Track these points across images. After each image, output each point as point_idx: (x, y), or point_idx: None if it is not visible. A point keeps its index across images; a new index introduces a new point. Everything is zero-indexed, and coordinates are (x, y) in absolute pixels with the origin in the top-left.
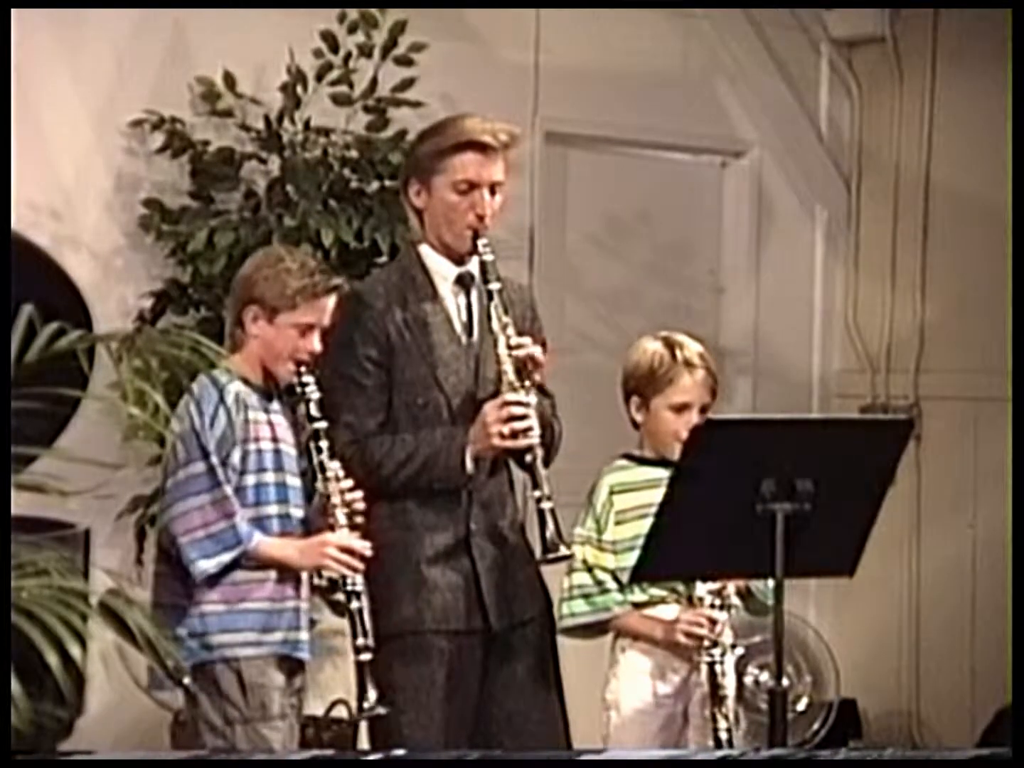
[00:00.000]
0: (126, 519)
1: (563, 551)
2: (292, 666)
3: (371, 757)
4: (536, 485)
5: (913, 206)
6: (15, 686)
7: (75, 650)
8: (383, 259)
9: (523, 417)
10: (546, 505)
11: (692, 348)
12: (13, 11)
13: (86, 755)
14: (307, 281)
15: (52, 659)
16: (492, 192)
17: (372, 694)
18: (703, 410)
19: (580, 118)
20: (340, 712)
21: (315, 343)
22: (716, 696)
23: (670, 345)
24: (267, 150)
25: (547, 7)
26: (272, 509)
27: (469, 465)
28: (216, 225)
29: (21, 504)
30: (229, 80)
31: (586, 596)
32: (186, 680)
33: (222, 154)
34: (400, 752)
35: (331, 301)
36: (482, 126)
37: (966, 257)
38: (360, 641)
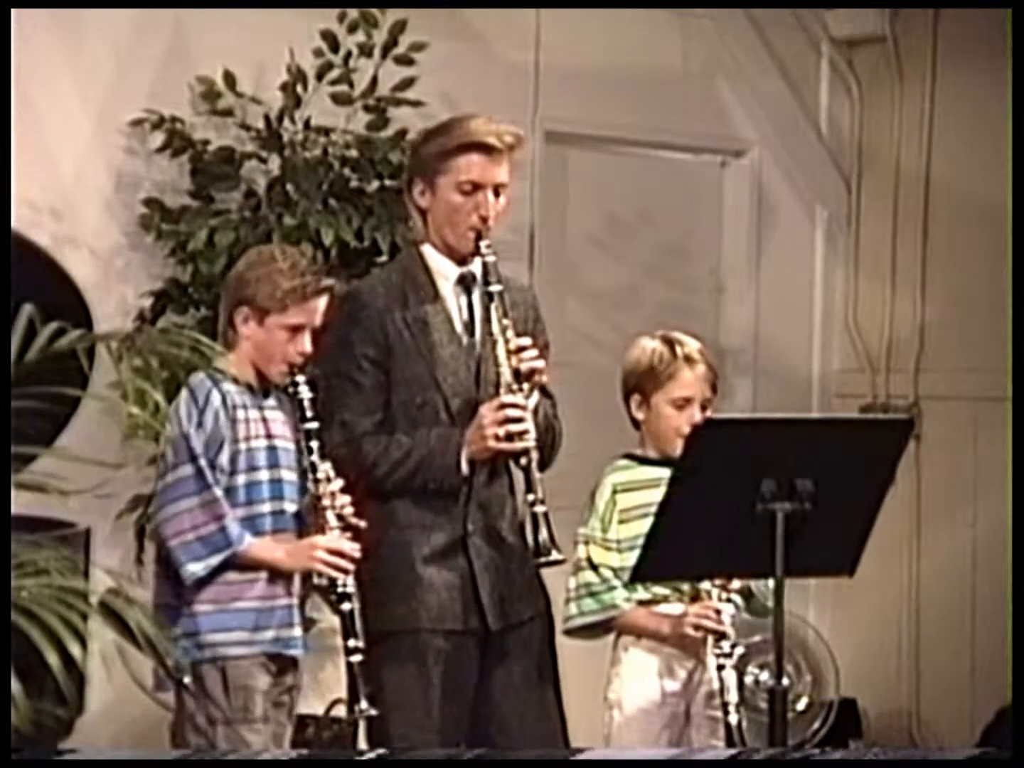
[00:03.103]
0: (126, 518)
1: (554, 556)
2: (282, 665)
3: (369, 757)
4: (530, 488)
5: (913, 206)
6: (15, 686)
7: (75, 649)
8: (383, 258)
9: (519, 419)
10: (539, 509)
11: (691, 344)
12: (13, 11)
13: (86, 755)
14: (297, 283)
15: (52, 658)
16: (496, 193)
17: (364, 696)
18: (704, 405)
19: (580, 118)
20: (340, 712)
21: (305, 344)
22: (725, 688)
23: (669, 342)
24: (267, 149)
25: (547, 7)
26: (265, 507)
27: (464, 466)
28: (216, 224)
29: (21, 503)
30: (229, 79)
31: (593, 594)
32: (186, 680)
33: (222, 153)
34: (398, 752)
35: (322, 302)
36: (487, 127)
37: (966, 257)
38: (351, 643)
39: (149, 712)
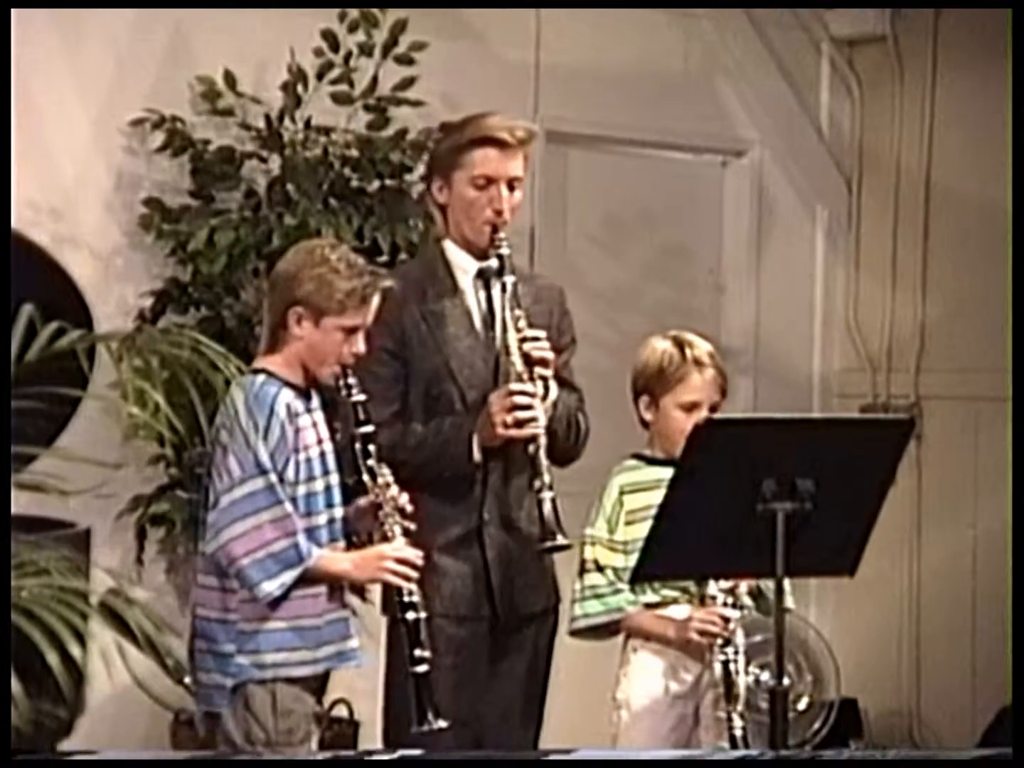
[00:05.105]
0: (126, 519)
1: (559, 540)
2: (323, 683)
3: (371, 757)
4: (537, 474)
5: (913, 206)
6: (15, 685)
7: (75, 649)
8: (383, 258)
9: (528, 407)
10: (546, 495)
11: (702, 347)
12: (13, 11)
13: (86, 755)
14: (356, 284)
15: (52, 658)
16: (510, 188)
17: (431, 709)
18: (712, 409)
19: (580, 118)
20: (340, 712)
21: (360, 345)
22: (730, 695)
23: (680, 344)
24: (268, 149)
25: (547, 7)
26: (322, 518)
27: (476, 454)
28: (216, 224)
29: (21, 503)
30: (229, 79)
31: (599, 596)
32: (186, 679)
33: (222, 153)
34: (401, 752)
35: (376, 300)
36: (501, 123)
37: (966, 257)
38: (418, 653)
39: (149, 712)
